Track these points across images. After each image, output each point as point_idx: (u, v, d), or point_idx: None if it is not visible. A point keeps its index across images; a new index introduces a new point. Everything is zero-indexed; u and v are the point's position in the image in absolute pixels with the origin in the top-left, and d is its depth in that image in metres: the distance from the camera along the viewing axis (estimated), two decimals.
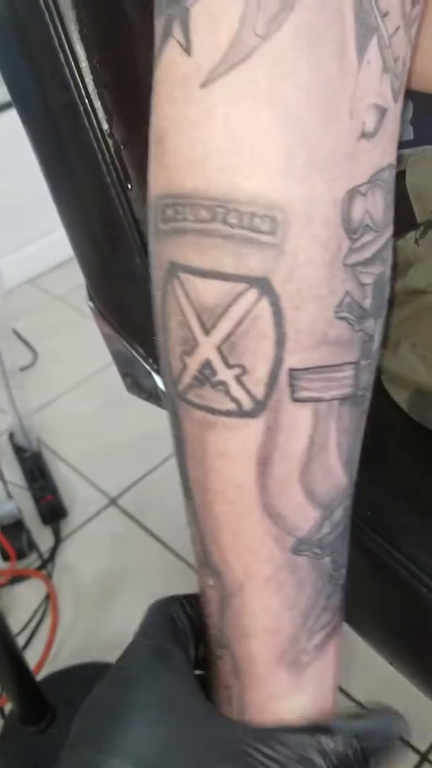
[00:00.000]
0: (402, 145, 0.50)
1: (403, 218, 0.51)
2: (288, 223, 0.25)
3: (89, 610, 1.28)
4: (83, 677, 1.10)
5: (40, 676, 1.13)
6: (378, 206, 0.27)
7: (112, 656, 0.34)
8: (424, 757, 1.06)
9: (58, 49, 0.45)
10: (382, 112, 0.26)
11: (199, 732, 0.29)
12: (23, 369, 1.78)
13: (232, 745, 0.29)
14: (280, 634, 0.31)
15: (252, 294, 0.26)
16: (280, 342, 0.26)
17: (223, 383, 0.28)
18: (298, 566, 0.30)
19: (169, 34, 0.26)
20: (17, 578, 1.34)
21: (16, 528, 1.37)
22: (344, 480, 0.30)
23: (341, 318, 0.27)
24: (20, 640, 1.21)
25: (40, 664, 1.16)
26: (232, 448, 0.28)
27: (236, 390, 0.27)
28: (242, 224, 0.25)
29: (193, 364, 0.28)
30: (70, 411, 1.68)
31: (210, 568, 0.32)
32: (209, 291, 0.27)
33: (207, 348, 0.28)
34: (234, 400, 0.28)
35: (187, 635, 0.35)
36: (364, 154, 0.26)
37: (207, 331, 0.27)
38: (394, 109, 0.27)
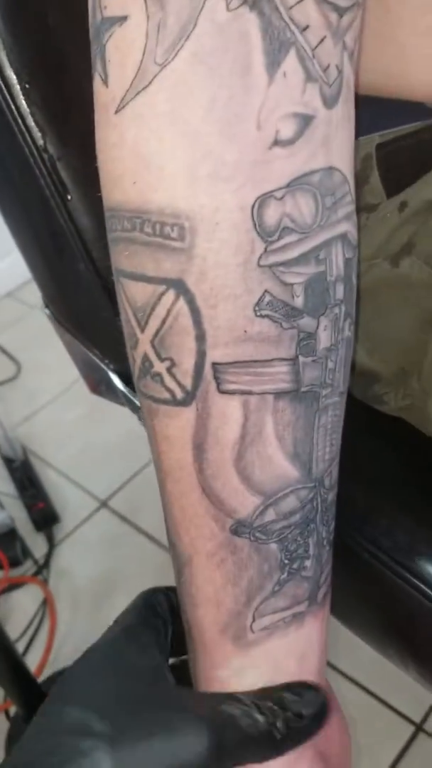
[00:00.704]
0: None
1: None
2: (194, 229, 0.27)
3: (86, 612, 1.30)
4: None
5: (41, 678, 1.16)
6: (303, 209, 0.28)
7: None
8: (419, 728, 1.09)
9: None
10: (305, 119, 0.27)
11: (143, 689, 0.32)
12: (7, 381, 1.81)
13: (163, 700, 0.32)
14: (223, 607, 0.33)
15: (171, 294, 0.28)
16: (201, 338, 0.29)
17: (158, 374, 0.30)
18: (238, 547, 0.32)
19: (95, 68, 0.29)
20: (14, 586, 1.37)
21: (9, 537, 1.40)
22: (292, 472, 0.31)
23: (263, 316, 0.28)
24: (21, 645, 1.24)
25: (41, 667, 1.19)
26: (172, 432, 0.31)
27: (169, 381, 0.30)
28: (155, 232, 0.28)
29: (137, 357, 0.31)
30: (56, 419, 1.71)
31: (169, 540, 0.35)
32: (138, 292, 0.30)
33: (144, 343, 0.30)
34: (168, 390, 0.30)
35: (165, 621, 0.37)
36: (278, 161, 0.27)
37: (142, 328, 0.30)
38: (327, 115, 0.28)
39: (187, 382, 0.30)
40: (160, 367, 0.30)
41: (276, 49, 0.26)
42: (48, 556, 1.40)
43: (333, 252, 0.29)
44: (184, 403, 0.30)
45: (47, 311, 0.61)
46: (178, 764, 0.29)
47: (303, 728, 0.33)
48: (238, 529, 0.31)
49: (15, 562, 1.39)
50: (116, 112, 0.28)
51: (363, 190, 0.50)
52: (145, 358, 0.31)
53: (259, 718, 0.31)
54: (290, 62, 0.26)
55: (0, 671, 0.97)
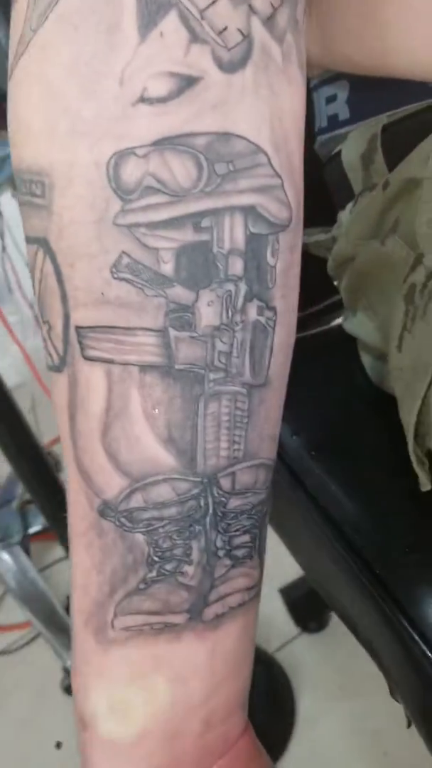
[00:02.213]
0: (339, 124, 0.54)
1: (346, 192, 0.53)
2: (53, 185, 0.27)
3: None
4: None
5: None
6: (176, 171, 0.27)
7: None
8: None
9: None
10: (186, 79, 0.26)
11: None
12: None
13: None
14: (89, 595, 0.31)
15: (41, 253, 0.29)
16: (64, 298, 0.28)
17: (43, 339, 0.30)
18: (104, 530, 0.30)
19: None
20: None
21: None
22: (165, 458, 0.29)
23: (121, 279, 0.27)
24: None
25: None
26: (56, 400, 0.30)
27: (48, 345, 0.30)
28: (26, 190, 0.29)
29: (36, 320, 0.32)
30: None
31: None
32: (27, 253, 0.30)
33: (35, 306, 0.31)
34: (49, 354, 0.30)
35: None
36: (142, 119, 0.26)
37: (34, 290, 0.30)
38: (224, 78, 0.27)
39: (59, 346, 0.29)
40: (43, 330, 0.30)
41: (152, 11, 0.26)
42: None
43: (225, 223, 0.27)
44: (59, 368, 0.29)
45: None
46: None
47: None
48: (104, 510, 0.30)
49: None
50: (9, 80, 0.29)
51: (369, 170, 0.50)
52: (37, 320, 0.31)
53: None
54: (170, 23, 0.26)
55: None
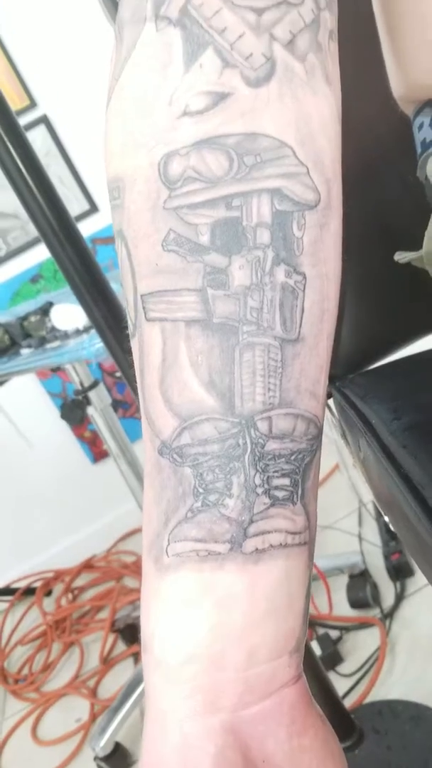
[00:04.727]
0: (428, 145, 0.59)
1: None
2: (124, 187, 0.34)
3: (420, 664, 1.35)
4: (393, 711, 1.18)
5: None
6: (210, 163, 0.33)
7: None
8: None
9: None
10: (219, 95, 0.33)
11: None
12: None
13: None
14: (151, 525, 0.35)
15: (120, 243, 0.35)
16: (134, 274, 0.34)
17: (126, 313, 0.37)
18: (161, 467, 0.34)
19: None
20: (361, 625, 1.48)
21: (360, 579, 1.52)
22: (207, 399, 0.33)
23: (170, 251, 0.33)
24: (353, 679, 1.35)
25: (363, 697, 1.27)
26: (133, 361, 0.36)
27: (127, 315, 0.37)
28: (112, 197, 0.36)
29: None
30: None
31: None
32: (116, 247, 0.37)
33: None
34: (129, 323, 0.37)
35: None
36: (184, 127, 0.33)
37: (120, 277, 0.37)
38: (251, 92, 0.33)
39: (132, 315, 0.36)
40: (126, 306, 0.36)
41: (195, 49, 0.33)
42: (395, 606, 1.48)
43: (252, 202, 0.33)
44: (134, 333, 0.36)
45: None
46: None
47: None
48: (162, 449, 0.34)
49: (364, 604, 1.50)
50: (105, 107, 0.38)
51: None
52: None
53: None
54: (207, 56, 0.33)
55: (315, 698, 1.11)
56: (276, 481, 0.34)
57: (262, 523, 0.33)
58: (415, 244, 0.56)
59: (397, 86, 0.52)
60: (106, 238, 2.18)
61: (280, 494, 0.34)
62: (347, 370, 0.69)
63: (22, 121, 2.03)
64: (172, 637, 0.34)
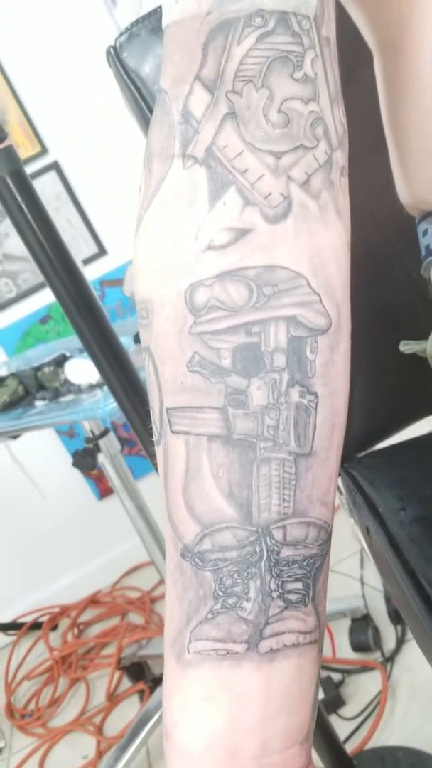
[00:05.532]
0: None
1: None
2: (152, 310, 0.37)
3: (420, 707, 1.38)
4: (394, 758, 1.21)
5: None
6: (233, 294, 0.35)
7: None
8: None
9: None
10: (241, 231, 0.36)
11: None
12: None
13: None
14: (173, 623, 0.37)
15: (147, 358, 0.38)
16: (160, 389, 0.37)
17: (151, 421, 0.39)
18: (183, 569, 0.37)
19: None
20: (362, 669, 1.51)
21: (362, 622, 1.55)
22: (227, 509, 0.36)
23: (194, 371, 0.36)
24: (355, 723, 1.37)
25: (364, 742, 1.30)
26: (158, 468, 0.39)
27: (153, 425, 0.39)
28: (140, 316, 0.39)
29: None
30: None
31: None
32: (144, 360, 0.39)
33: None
34: (153, 431, 0.39)
35: None
36: (209, 260, 0.35)
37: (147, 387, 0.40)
38: (269, 228, 0.36)
39: (158, 425, 0.38)
40: (151, 415, 0.39)
41: (219, 188, 0.36)
42: (396, 650, 1.51)
43: (270, 329, 0.36)
44: (158, 442, 0.38)
45: None
46: None
47: None
48: (184, 552, 0.36)
49: (366, 647, 1.53)
50: (135, 244, 0.40)
51: None
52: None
53: None
54: (230, 195, 0.35)
55: (318, 742, 1.13)
56: (290, 585, 0.36)
57: (276, 625, 0.36)
58: (419, 330, 0.60)
59: (402, 195, 0.57)
60: (114, 281, 2.23)
61: (294, 597, 0.36)
62: (354, 449, 0.73)
63: (34, 167, 2.14)
64: (193, 728, 0.36)
